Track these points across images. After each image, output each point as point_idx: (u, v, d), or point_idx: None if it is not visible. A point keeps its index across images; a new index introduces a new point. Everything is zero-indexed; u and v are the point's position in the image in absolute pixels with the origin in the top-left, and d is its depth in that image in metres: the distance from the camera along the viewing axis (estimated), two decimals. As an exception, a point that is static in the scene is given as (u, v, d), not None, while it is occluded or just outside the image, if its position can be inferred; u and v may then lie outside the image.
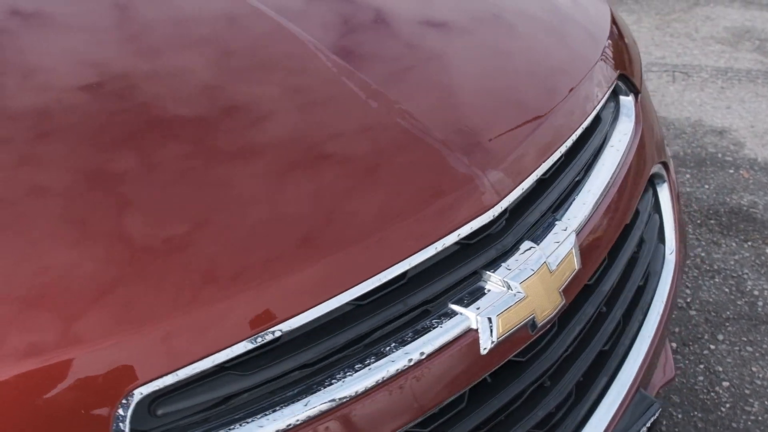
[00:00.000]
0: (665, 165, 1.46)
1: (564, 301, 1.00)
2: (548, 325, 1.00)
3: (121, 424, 0.74)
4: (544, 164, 1.07)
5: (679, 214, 1.49)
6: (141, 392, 0.75)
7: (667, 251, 1.41)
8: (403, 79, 1.10)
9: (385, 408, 0.87)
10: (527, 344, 1.00)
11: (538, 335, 1.00)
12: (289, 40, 1.14)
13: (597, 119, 1.29)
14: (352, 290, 0.86)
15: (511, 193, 0.99)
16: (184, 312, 0.78)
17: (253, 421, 0.81)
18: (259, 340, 0.81)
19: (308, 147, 0.97)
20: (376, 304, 0.90)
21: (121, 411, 0.74)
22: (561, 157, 1.13)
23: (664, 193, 1.44)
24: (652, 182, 1.44)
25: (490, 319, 0.91)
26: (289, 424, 0.82)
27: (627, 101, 1.40)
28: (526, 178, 1.02)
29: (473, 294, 0.94)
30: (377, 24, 1.25)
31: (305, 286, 0.83)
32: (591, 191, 1.15)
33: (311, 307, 0.83)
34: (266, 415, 0.82)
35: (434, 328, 0.91)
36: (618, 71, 1.36)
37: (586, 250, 1.09)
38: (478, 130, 1.03)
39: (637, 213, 1.32)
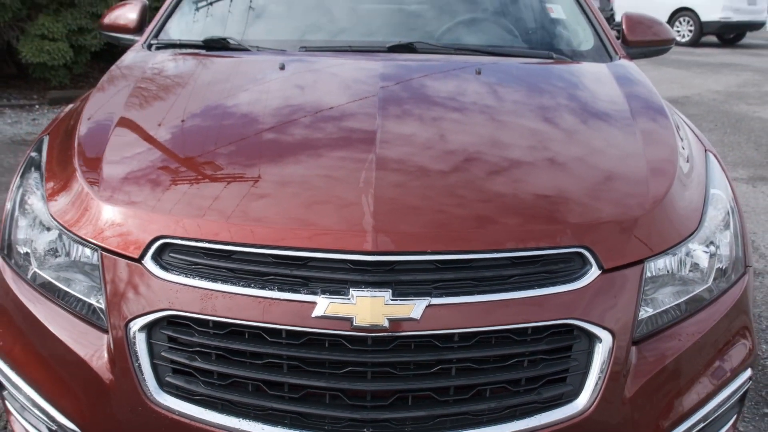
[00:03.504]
0: (613, 334, 1.59)
1: (386, 325, 1.53)
2: (369, 332, 1.54)
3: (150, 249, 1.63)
4: (438, 255, 1.58)
5: (620, 393, 1.60)
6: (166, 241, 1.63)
7: (575, 402, 1.58)
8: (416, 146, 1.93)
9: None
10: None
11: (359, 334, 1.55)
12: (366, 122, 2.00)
13: (535, 261, 1.61)
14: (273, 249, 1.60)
15: (392, 256, 1.57)
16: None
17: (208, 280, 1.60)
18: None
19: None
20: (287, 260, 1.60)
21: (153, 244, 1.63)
22: (469, 261, 1.59)
23: (597, 355, 1.59)
24: (590, 335, 1.59)
25: (326, 303, 1.55)
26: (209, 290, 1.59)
27: (595, 279, 1.61)
28: (413, 254, 1.58)
29: (336, 288, 1.57)
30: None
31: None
32: (478, 297, 1.57)
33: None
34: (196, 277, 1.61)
35: (293, 290, 1.57)
36: (583, 243, 1.63)
37: (440, 317, 1.55)
38: (420, 213, 1.66)
39: (540, 342, 1.57)
